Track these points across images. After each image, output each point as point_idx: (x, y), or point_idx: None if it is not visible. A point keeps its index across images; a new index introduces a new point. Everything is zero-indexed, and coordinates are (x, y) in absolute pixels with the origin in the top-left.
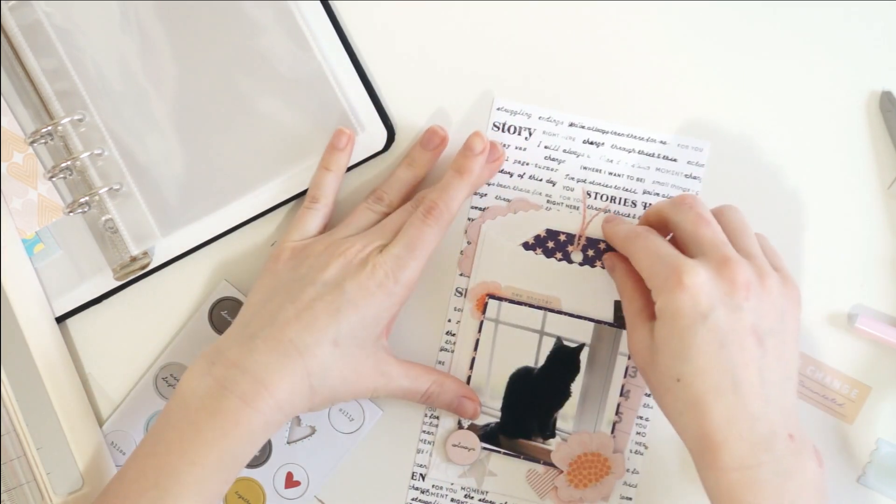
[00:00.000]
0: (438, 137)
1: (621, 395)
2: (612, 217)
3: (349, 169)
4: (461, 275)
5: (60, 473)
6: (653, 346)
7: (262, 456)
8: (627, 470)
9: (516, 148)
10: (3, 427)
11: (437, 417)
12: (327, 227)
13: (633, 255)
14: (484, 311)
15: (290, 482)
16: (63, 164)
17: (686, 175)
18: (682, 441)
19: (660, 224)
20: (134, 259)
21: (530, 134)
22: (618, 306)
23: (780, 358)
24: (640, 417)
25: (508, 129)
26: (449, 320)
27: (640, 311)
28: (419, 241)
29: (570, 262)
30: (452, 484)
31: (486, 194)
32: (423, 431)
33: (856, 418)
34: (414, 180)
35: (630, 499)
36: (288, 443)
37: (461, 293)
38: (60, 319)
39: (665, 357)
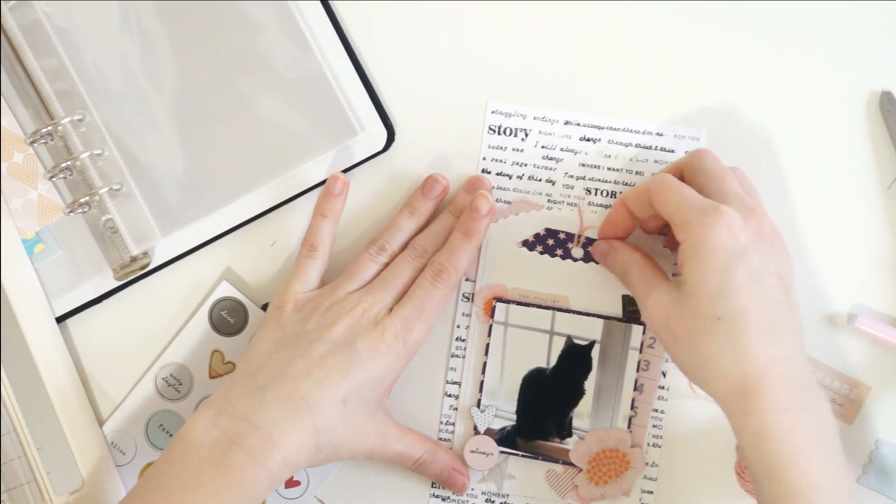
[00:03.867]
0: (440, 186)
1: (635, 389)
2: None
3: (348, 169)
4: (467, 279)
5: (60, 473)
6: (680, 296)
7: None
8: (647, 464)
9: (513, 150)
10: (3, 427)
11: (453, 424)
12: (326, 273)
13: (661, 196)
14: (492, 315)
15: (290, 482)
16: (63, 164)
17: None
18: (712, 391)
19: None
20: (134, 259)
21: (526, 135)
22: (626, 301)
23: (796, 307)
24: (656, 410)
25: (504, 132)
26: (458, 326)
27: (655, 273)
28: (428, 303)
29: (573, 259)
30: (473, 490)
31: None
32: (441, 438)
33: (855, 418)
34: (416, 229)
35: (651, 492)
36: None
37: (468, 298)
38: (60, 319)
39: (702, 298)
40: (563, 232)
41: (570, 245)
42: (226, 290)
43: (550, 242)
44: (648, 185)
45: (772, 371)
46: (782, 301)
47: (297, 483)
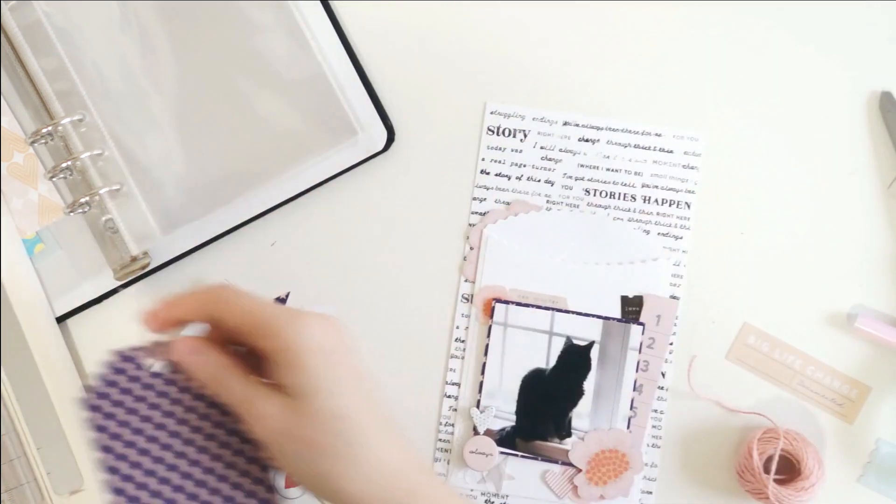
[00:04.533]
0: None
1: (634, 389)
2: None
3: (348, 169)
4: (466, 280)
5: (60, 473)
6: (293, 402)
7: None
8: (645, 464)
9: (512, 150)
10: (3, 427)
11: (453, 424)
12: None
13: (229, 306)
14: (491, 316)
15: (290, 482)
16: (63, 164)
17: (684, 166)
18: (360, 496)
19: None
20: (134, 259)
21: (525, 135)
22: (625, 301)
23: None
24: (655, 411)
25: (503, 132)
26: (457, 327)
27: (255, 379)
28: None
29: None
30: (472, 490)
31: (485, 199)
32: (440, 440)
33: (856, 418)
34: None
35: (650, 492)
36: None
37: (467, 299)
38: (60, 319)
39: (320, 399)
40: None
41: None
42: None
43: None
44: (205, 296)
45: (410, 458)
46: (378, 399)
47: (297, 483)
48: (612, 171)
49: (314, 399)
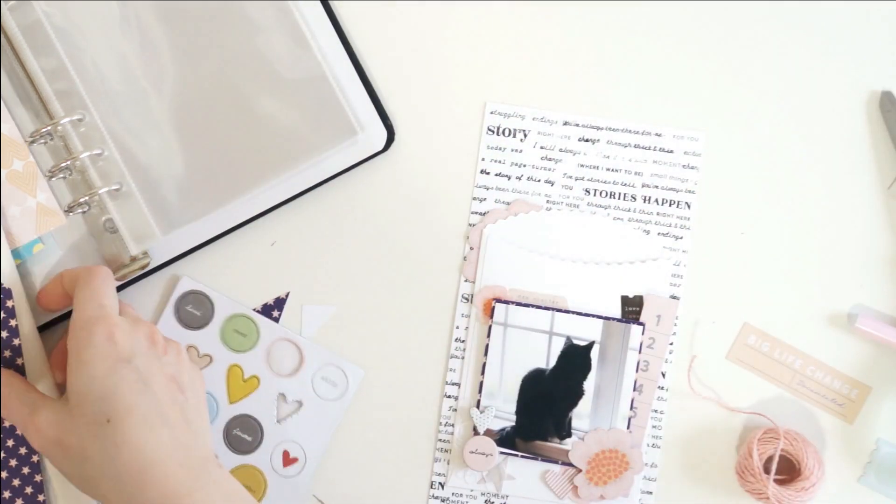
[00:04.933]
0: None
1: (634, 389)
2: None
3: (348, 169)
4: (466, 280)
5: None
6: (69, 409)
7: (254, 440)
8: (646, 464)
9: (512, 150)
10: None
11: (453, 425)
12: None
13: (76, 292)
14: (491, 316)
15: (288, 460)
16: (63, 164)
17: (683, 166)
18: (112, 499)
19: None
20: (134, 259)
21: (525, 135)
22: (625, 301)
23: (198, 407)
24: (655, 411)
25: (503, 132)
26: (457, 327)
27: (36, 392)
28: None
29: None
30: (472, 490)
31: (485, 199)
32: (440, 440)
33: (856, 418)
34: None
35: (650, 493)
36: (278, 421)
37: (467, 299)
38: (61, 320)
39: (89, 404)
40: None
41: None
42: (188, 284)
43: None
44: (78, 272)
45: (170, 460)
46: (177, 398)
47: (295, 459)
48: (612, 171)
49: (88, 405)
